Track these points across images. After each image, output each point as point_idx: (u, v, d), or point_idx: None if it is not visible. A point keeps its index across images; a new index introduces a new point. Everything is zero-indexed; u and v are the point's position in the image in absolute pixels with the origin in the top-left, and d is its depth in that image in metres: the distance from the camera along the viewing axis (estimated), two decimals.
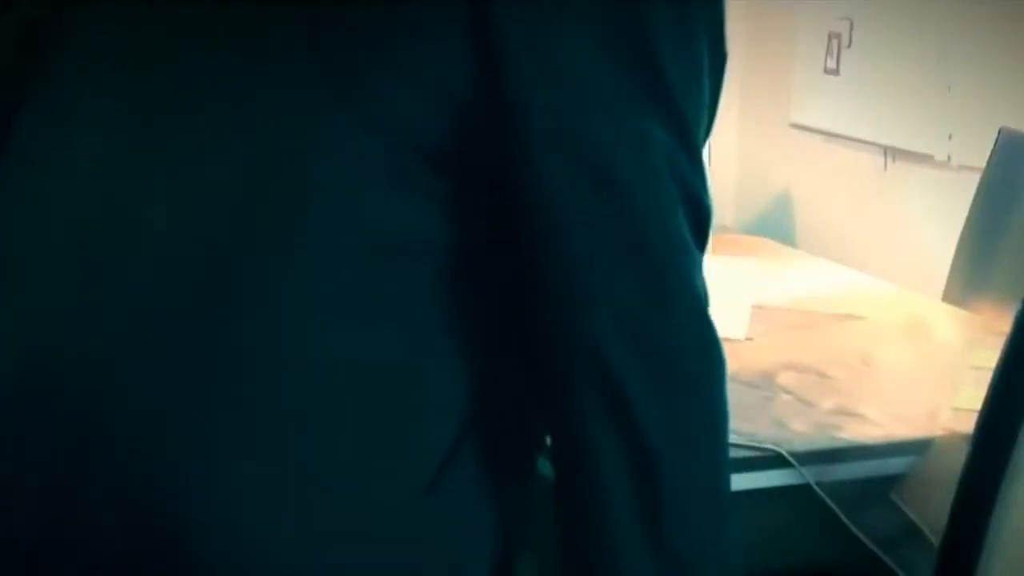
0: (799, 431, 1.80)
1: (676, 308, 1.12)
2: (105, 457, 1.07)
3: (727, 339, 2.17)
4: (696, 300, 1.13)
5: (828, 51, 3.38)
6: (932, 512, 1.69)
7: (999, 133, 2.64)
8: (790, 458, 1.72)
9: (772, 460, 1.73)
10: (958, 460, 1.62)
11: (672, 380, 1.13)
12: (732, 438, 1.75)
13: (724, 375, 1.17)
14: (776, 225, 3.58)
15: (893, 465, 1.77)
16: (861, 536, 1.71)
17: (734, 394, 1.91)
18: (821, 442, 1.77)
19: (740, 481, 1.72)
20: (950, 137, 3.00)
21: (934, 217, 3.06)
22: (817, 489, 1.72)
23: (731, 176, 3.78)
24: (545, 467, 1.23)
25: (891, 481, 1.75)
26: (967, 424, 1.67)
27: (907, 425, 1.84)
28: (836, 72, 3.36)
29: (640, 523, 1.12)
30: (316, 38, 1.09)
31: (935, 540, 1.67)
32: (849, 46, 3.31)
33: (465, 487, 1.16)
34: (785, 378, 2.01)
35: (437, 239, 1.11)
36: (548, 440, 1.17)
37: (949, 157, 3.02)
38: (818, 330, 2.27)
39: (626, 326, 1.10)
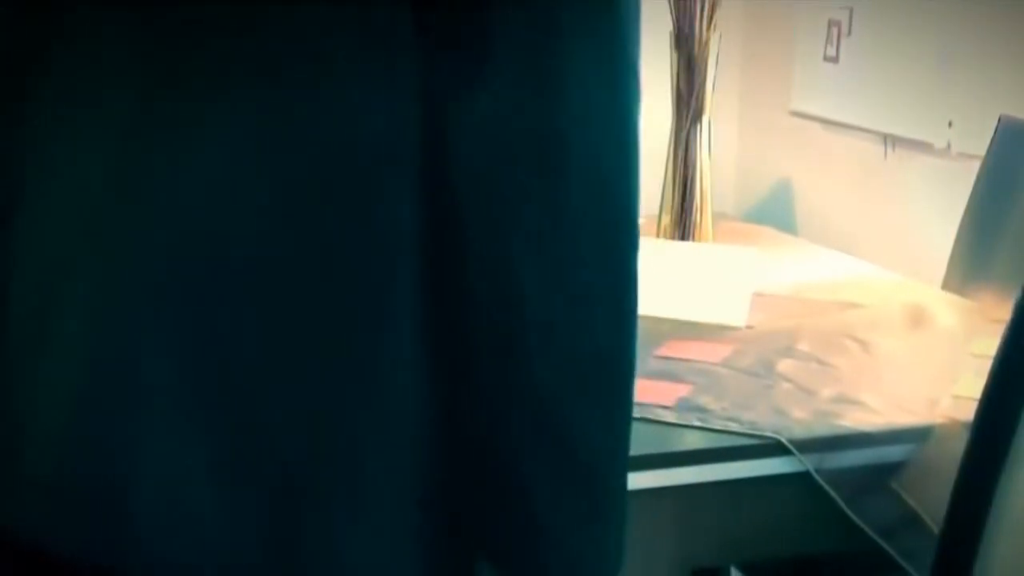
0: (799, 419, 1.80)
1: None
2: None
3: (727, 326, 2.19)
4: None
5: (828, 39, 3.38)
6: (932, 500, 1.69)
7: (999, 121, 2.63)
8: (790, 446, 1.72)
9: (772, 448, 1.73)
10: (958, 448, 1.62)
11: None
12: (732, 426, 1.76)
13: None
14: (776, 213, 3.58)
15: (893, 453, 1.77)
16: (861, 524, 1.71)
17: (734, 382, 1.93)
18: (821, 430, 1.77)
19: (740, 469, 1.73)
20: (950, 125, 3.00)
21: (934, 205, 3.06)
22: (817, 477, 1.72)
23: (731, 164, 3.78)
24: None
25: (891, 469, 1.75)
26: (967, 412, 1.67)
27: (907, 413, 1.84)
28: (836, 60, 3.36)
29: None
30: None
31: (935, 528, 1.67)
32: (849, 34, 3.31)
33: None
34: (785, 366, 2.01)
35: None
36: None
37: (949, 145, 3.01)
38: (818, 318, 2.27)
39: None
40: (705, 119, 2.50)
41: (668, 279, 2.25)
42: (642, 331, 2.25)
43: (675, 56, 2.50)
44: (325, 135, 1.08)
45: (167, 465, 1.09)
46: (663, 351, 2.06)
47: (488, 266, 1.11)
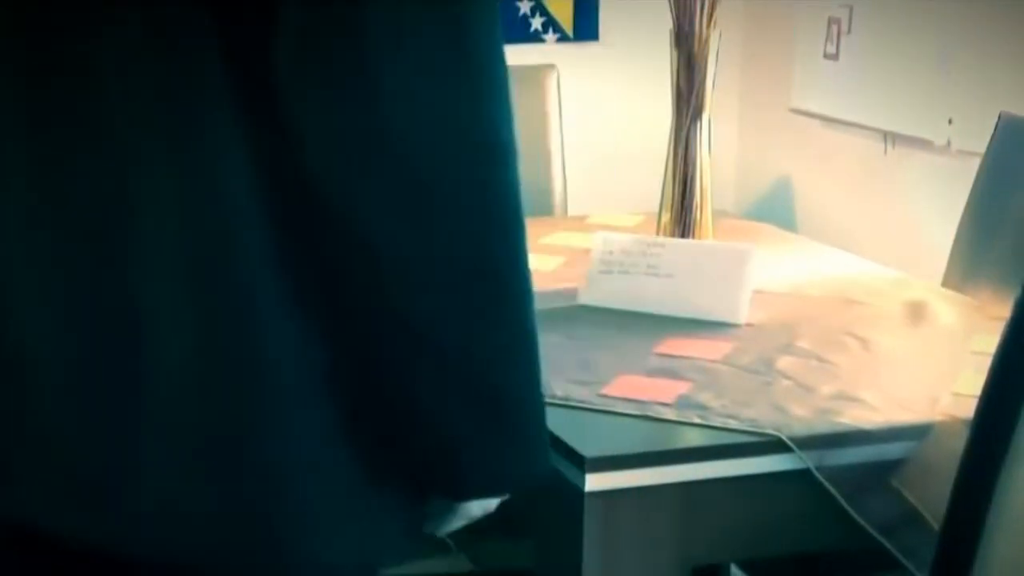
0: (799, 416, 1.80)
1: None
2: None
3: (727, 324, 2.19)
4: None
5: (828, 36, 3.38)
6: (933, 497, 1.69)
7: (999, 118, 2.63)
8: (790, 443, 1.72)
9: (772, 445, 1.73)
10: (958, 445, 1.62)
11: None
12: (732, 423, 1.76)
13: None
14: (776, 210, 3.58)
15: (893, 450, 1.77)
16: (861, 521, 1.71)
17: (734, 379, 1.93)
18: (821, 427, 1.77)
19: (740, 466, 1.73)
20: (950, 122, 3.00)
21: (934, 202, 3.06)
22: (817, 474, 1.72)
23: (731, 161, 3.78)
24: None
25: (891, 466, 1.75)
26: (967, 409, 1.67)
27: (907, 410, 1.84)
28: (836, 57, 3.36)
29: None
30: None
31: (936, 525, 1.67)
32: (849, 31, 3.31)
33: None
34: (785, 363, 2.01)
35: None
36: None
37: (949, 142, 3.01)
38: (818, 315, 2.27)
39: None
40: (705, 117, 2.50)
41: (668, 276, 2.25)
42: (642, 328, 2.27)
43: (675, 54, 2.50)
44: (166, 142, 1.17)
45: (126, 459, 1.20)
46: (663, 348, 2.06)
47: (338, 215, 1.16)
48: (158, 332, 1.17)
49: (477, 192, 1.17)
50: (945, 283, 2.58)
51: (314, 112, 1.13)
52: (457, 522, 1.34)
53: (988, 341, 1.69)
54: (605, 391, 1.86)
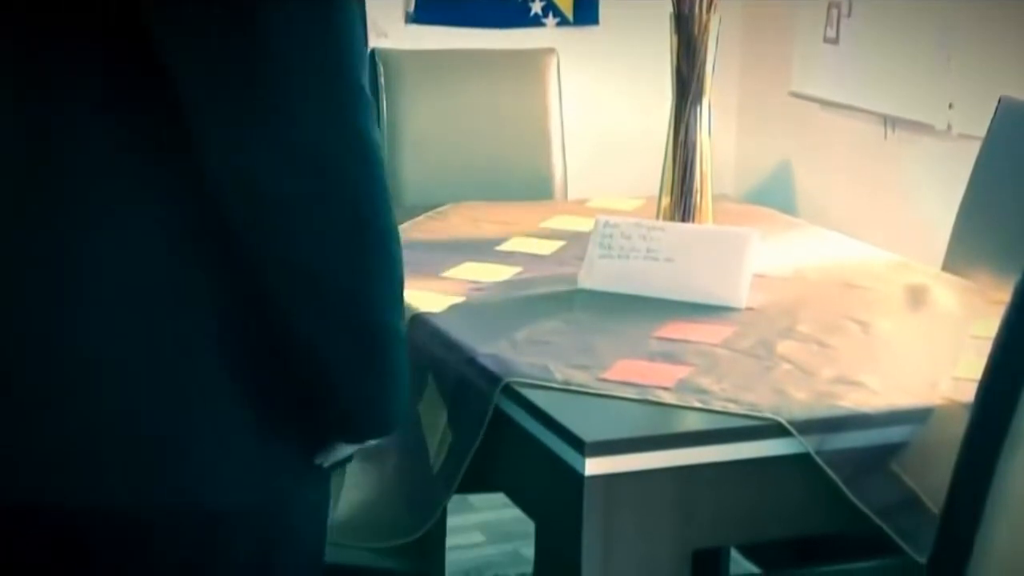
0: (799, 400, 1.80)
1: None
2: None
3: (727, 308, 2.19)
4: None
5: (828, 20, 3.38)
6: (933, 481, 1.69)
7: (999, 102, 2.63)
8: (790, 427, 1.72)
9: (772, 429, 1.73)
10: (958, 429, 1.62)
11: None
12: (732, 407, 1.76)
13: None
14: (776, 194, 3.59)
15: (893, 434, 1.77)
16: (861, 505, 1.71)
17: (734, 363, 1.93)
18: (821, 411, 1.77)
19: (740, 450, 1.73)
20: (950, 106, 3.00)
21: (934, 186, 3.06)
22: (817, 458, 1.72)
23: (731, 145, 3.78)
24: None
25: (891, 450, 1.76)
26: (967, 393, 1.67)
27: (907, 394, 1.84)
28: (836, 41, 3.35)
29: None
30: None
31: (935, 509, 1.67)
32: (849, 15, 3.31)
33: None
34: (785, 347, 2.01)
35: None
36: None
37: (949, 126, 3.01)
38: (818, 299, 2.27)
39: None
40: (705, 101, 2.50)
41: (668, 260, 2.25)
42: (642, 312, 2.26)
43: (675, 39, 2.49)
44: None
45: None
46: (663, 332, 2.06)
47: (248, 184, 1.27)
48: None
49: (350, 138, 1.27)
50: (945, 267, 2.58)
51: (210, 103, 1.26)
52: (344, 451, 1.44)
53: (988, 325, 1.69)
54: (605, 375, 1.86)
